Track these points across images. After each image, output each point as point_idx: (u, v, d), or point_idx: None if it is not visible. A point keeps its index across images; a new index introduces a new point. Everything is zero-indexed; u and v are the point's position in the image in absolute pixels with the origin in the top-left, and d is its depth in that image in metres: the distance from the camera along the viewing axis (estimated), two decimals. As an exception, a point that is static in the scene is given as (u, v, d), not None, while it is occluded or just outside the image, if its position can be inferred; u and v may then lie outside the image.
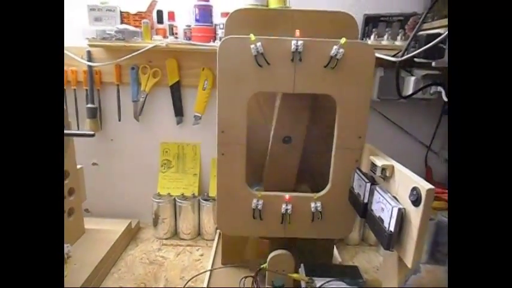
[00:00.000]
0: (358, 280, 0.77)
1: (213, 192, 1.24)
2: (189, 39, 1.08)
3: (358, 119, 0.75)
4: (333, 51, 0.70)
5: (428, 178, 1.23)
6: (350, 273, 0.80)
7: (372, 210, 0.63)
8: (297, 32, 0.71)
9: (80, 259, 0.96)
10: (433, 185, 1.18)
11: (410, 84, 1.04)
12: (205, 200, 1.20)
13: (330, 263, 0.94)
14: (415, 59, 0.93)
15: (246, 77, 0.72)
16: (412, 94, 1.01)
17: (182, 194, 1.22)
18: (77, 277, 0.90)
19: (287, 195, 0.80)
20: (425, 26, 1.04)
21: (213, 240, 1.17)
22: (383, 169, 0.61)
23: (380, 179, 0.64)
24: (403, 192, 0.56)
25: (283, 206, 0.80)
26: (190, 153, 1.24)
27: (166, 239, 1.20)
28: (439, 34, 0.81)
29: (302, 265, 0.83)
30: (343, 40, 0.70)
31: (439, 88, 1.01)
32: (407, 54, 0.87)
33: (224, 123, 0.75)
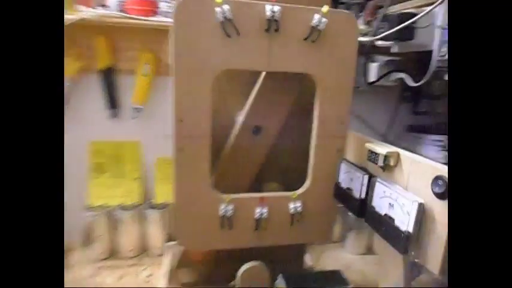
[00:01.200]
0: (346, 287, 0.67)
1: (160, 198, 1.05)
2: (125, 12, 0.88)
3: (341, 102, 0.65)
4: (314, 21, 0.58)
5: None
6: (335, 279, 0.70)
7: (372, 207, 0.53)
8: (272, -4, 0.58)
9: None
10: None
11: (372, 71, 0.99)
12: (152, 207, 1.01)
13: (310, 271, 0.83)
14: (377, 44, 0.88)
15: (210, 49, 0.57)
16: (377, 80, 0.96)
17: (121, 204, 1.00)
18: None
19: (262, 197, 0.66)
20: (386, 10, 1.00)
21: (163, 255, 0.99)
22: (386, 157, 0.52)
23: (378, 170, 0.55)
24: (418, 183, 0.47)
25: (258, 210, 0.66)
26: (129, 154, 1.03)
27: (102, 260, 0.98)
28: (413, 14, 0.76)
29: (280, 276, 0.71)
30: (325, 8, 0.59)
31: (402, 74, 0.97)
32: (378, 34, 0.81)
33: (183, 110, 0.59)
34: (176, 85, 0.58)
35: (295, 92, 0.71)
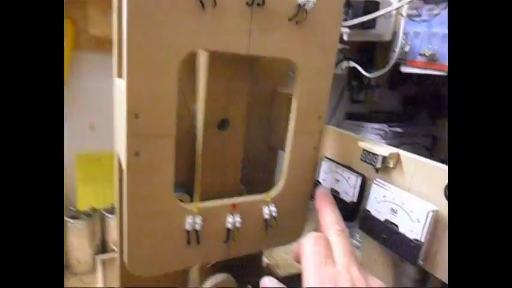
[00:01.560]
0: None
1: (83, 204, 0.85)
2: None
3: (321, 94, 0.58)
4: (301, -1, 0.50)
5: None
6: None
7: (367, 211, 0.49)
8: (256, -39, 0.47)
9: None
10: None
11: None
12: (73, 217, 0.81)
13: (285, 277, 0.77)
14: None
15: (178, 24, 0.43)
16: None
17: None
18: None
19: (233, 203, 0.57)
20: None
21: (92, 272, 0.81)
22: (384, 158, 0.47)
23: (370, 171, 0.51)
24: (424, 187, 0.43)
25: (229, 218, 0.57)
26: (39, 151, 0.80)
27: None
28: (377, 2, 0.73)
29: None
30: (312, -16, 0.50)
31: (352, 63, 0.96)
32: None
33: (140, 103, 0.45)
34: (130, 70, 0.43)
35: (249, 76, 0.62)
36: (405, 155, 0.46)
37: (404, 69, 0.81)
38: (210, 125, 0.59)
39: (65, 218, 0.83)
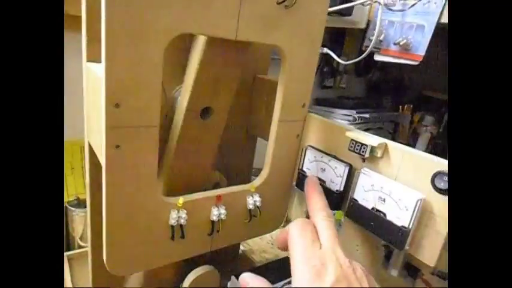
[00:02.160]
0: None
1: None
2: None
3: (306, 82, 0.58)
4: (290, -18, 0.48)
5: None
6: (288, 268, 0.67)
7: (354, 200, 0.50)
8: None
9: None
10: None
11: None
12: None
13: (262, 266, 0.77)
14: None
15: (163, 5, 0.39)
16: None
17: None
18: None
19: (218, 195, 0.55)
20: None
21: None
22: (372, 148, 0.48)
23: (356, 160, 0.52)
24: (410, 176, 0.45)
25: (214, 211, 0.55)
26: None
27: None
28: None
29: (233, 278, 0.63)
30: (301, -33, 0.48)
31: (325, 49, 0.96)
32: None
33: (120, 91, 0.40)
34: (108, 54, 0.38)
35: (241, 64, 0.60)
36: (392, 145, 0.47)
37: (378, 57, 0.83)
38: (192, 113, 0.55)
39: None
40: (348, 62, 0.87)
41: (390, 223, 0.45)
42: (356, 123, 1.12)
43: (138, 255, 0.51)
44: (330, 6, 0.76)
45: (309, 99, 0.60)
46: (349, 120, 1.14)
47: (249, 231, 0.62)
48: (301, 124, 0.60)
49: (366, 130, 1.16)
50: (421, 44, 0.73)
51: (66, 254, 0.78)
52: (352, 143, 0.50)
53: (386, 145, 0.48)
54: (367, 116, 1.14)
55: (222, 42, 0.50)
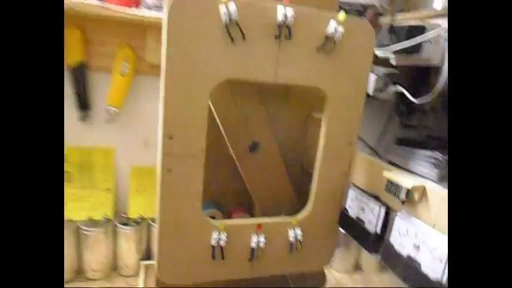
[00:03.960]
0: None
1: (134, 212, 0.94)
2: (103, 2, 0.76)
3: (351, 121, 0.59)
4: (329, 29, 0.51)
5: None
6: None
7: (391, 245, 0.47)
8: (285, -2, 0.51)
9: None
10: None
11: (370, 83, 0.94)
12: (124, 224, 0.90)
13: None
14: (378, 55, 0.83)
15: (210, 55, 0.48)
16: (378, 93, 0.91)
17: (89, 218, 0.89)
18: None
19: (259, 223, 0.59)
20: (385, 19, 0.96)
21: (137, 276, 0.89)
22: (408, 191, 0.46)
23: (395, 201, 0.49)
24: (435, 221, 0.41)
25: (254, 238, 0.59)
26: (101, 162, 0.91)
27: (67, 281, 0.86)
28: (423, 27, 0.71)
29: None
30: (341, 15, 0.52)
31: (399, 88, 0.93)
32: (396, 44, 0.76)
33: (174, 126, 0.50)
34: (167, 96, 0.49)
35: (279, 103, 0.64)
36: (431, 188, 0.44)
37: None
38: (241, 150, 0.62)
39: (117, 224, 0.93)
40: (420, 101, 0.82)
41: (425, 276, 0.41)
42: (441, 167, 1.00)
43: (184, 268, 0.57)
44: (395, 44, 0.75)
45: (355, 137, 0.60)
46: (432, 163, 1.03)
47: (291, 264, 0.63)
48: (347, 162, 0.60)
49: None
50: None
51: (144, 262, 0.91)
52: (389, 184, 0.48)
53: (424, 188, 0.45)
54: (453, 159, 1.01)
55: (277, 86, 0.56)
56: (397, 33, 0.75)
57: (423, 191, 0.45)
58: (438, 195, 0.43)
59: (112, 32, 0.81)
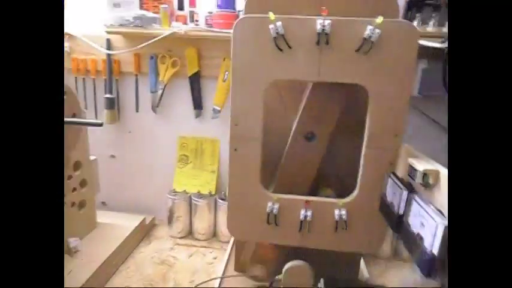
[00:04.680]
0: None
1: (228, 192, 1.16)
2: (211, 26, 1.01)
3: (395, 114, 0.63)
4: (366, 33, 0.59)
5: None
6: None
7: (408, 224, 0.52)
8: (324, 10, 0.61)
9: (88, 254, 0.92)
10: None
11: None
12: (223, 199, 1.13)
13: (354, 280, 0.82)
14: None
15: (263, 62, 0.63)
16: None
17: (198, 192, 1.15)
18: (82, 273, 0.85)
19: (307, 200, 0.70)
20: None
21: (229, 242, 1.10)
22: (425, 174, 0.50)
23: (420, 187, 0.53)
24: (445, 204, 0.44)
25: (302, 211, 0.70)
26: (209, 149, 1.17)
27: (180, 238, 1.15)
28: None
29: (322, 280, 0.73)
30: (379, 19, 0.58)
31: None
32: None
33: (238, 116, 0.67)
34: (233, 93, 0.66)
35: (344, 99, 0.72)
36: (442, 171, 0.47)
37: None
38: (299, 135, 0.74)
39: (217, 199, 1.16)
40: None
41: (424, 249, 0.45)
42: None
43: (246, 227, 0.73)
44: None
45: (401, 130, 0.64)
46: None
47: (336, 241, 0.71)
48: (393, 153, 0.65)
49: None
50: None
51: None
52: (410, 169, 0.53)
53: (438, 172, 0.48)
54: None
55: (325, 84, 0.67)
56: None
57: (437, 175, 0.48)
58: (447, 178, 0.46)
59: (219, 48, 1.05)
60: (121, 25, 0.98)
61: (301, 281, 0.74)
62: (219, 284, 0.86)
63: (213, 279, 0.90)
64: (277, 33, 0.61)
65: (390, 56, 0.60)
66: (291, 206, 0.70)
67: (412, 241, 0.49)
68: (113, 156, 1.22)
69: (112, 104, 1.13)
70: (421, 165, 0.50)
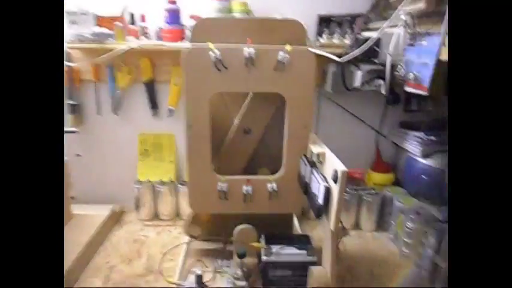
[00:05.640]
0: (306, 245, 0.94)
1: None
2: (161, 39, 1.19)
3: (304, 112, 0.89)
4: (280, 57, 0.83)
5: (377, 158, 1.40)
6: (301, 240, 0.97)
7: (310, 188, 0.79)
8: (249, 40, 0.84)
9: (70, 240, 1.09)
10: (381, 163, 1.34)
11: (357, 78, 1.18)
12: (182, 184, 1.34)
13: (286, 234, 1.10)
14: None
15: (207, 79, 0.85)
16: (358, 87, 1.16)
17: (160, 180, 1.35)
18: (68, 256, 1.03)
19: (248, 179, 0.94)
20: (370, 25, 1.18)
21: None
22: (318, 155, 0.76)
23: (318, 164, 0.80)
24: (329, 173, 0.71)
25: (244, 187, 0.94)
26: (166, 143, 1.37)
27: (147, 220, 1.34)
28: (379, 38, 0.96)
29: (263, 236, 0.99)
30: (288, 47, 0.83)
31: (380, 81, 1.16)
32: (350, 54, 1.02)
33: (191, 119, 0.88)
34: (187, 103, 0.87)
35: (274, 104, 0.97)
36: (327, 153, 0.74)
37: (406, 88, 0.97)
38: (239, 130, 0.98)
39: (177, 185, 1.38)
40: (386, 94, 1.04)
41: (316, 201, 0.73)
42: (424, 145, 1.19)
43: (204, 203, 0.97)
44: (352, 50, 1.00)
45: (310, 122, 0.90)
46: (418, 142, 1.22)
47: (271, 206, 0.97)
48: (305, 140, 0.91)
49: (434, 153, 1.20)
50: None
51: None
52: (310, 151, 0.79)
53: (324, 153, 0.75)
54: (434, 138, 1.18)
55: (260, 94, 0.91)
56: (359, 43, 1.00)
57: (324, 155, 0.75)
58: (329, 158, 0.73)
59: (169, 57, 1.23)
60: (80, 41, 1.12)
61: (249, 239, 1.00)
62: (186, 249, 1.09)
63: (179, 245, 1.13)
64: (215, 58, 0.82)
65: (297, 72, 0.86)
66: (236, 183, 0.95)
67: (311, 198, 0.76)
68: (78, 155, 1.36)
69: (74, 110, 1.26)
70: (315, 149, 0.77)
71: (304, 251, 0.92)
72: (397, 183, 1.36)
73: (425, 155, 1.20)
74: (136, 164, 1.37)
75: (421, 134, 1.24)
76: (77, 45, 1.12)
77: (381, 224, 1.31)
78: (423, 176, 1.21)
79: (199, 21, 0.90)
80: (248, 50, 0.82)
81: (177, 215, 1.38)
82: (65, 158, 1.15)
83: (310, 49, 0.86)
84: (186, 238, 1.14)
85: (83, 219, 1.22)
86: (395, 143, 1.38)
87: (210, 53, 0.82)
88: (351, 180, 1.34)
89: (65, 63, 1.19)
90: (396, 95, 1.22)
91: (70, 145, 1.32)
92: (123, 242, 1.20)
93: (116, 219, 1.34)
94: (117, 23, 1.14)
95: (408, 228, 1.10)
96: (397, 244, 1.19)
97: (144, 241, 1.21)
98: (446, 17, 0.69)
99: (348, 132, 1.38)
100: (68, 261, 1.00)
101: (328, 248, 0.78)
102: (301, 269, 0.88)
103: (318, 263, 0.88)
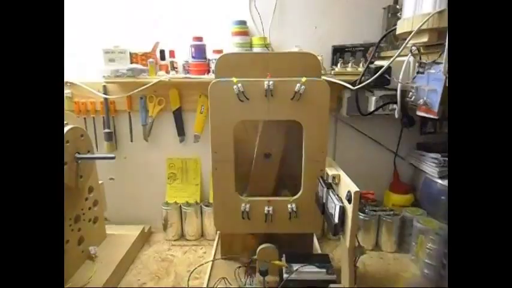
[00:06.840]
0: (326, 264, 0.98)
1: (212, 199, 1.45)
2: (188, 72, 1.30)
3: (320, 137, 0.96)
4: (296, 88, 0.91)
5: (396, 179, 1.43)
6: (321, 260, 1.01)
7: (327, 208, 0.84)
8: (269, 75, 0.93)
9: (104, 259, 1.18)
10: (400, 184, 1.37)
11: (372, 103, 1.25)
12: (207, 206, 1.41)
13: (306, 253, 1.14)
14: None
15: (231, 109, 0.94)
16: (373, 112, 1.22)
17: (187, 202, 1.43)
18: (103, 273, 1.11)
19: (269, 200, 1.01)
20: (382, 54, 1.26)
21: (214, 240, 1.39)
22: (333, 177, 0.82)
23: (334, 185, 0.85)
24: (343, 194, 0.77)
25: (266, 207, 1.01)
26: (192, 167, 1.46)
27: (174, 240, 1.42)
28: (389, 67, 1.03)
29: (284, 255, 1.04)
30: (304, 79, 0.91)
31: (394, 106, 1.21)
32: (363, 82, 1.09)
33: (216, 146, 0.97)
34: (212, 131, 0.96)
35: (286, 130, 1.04)
36: (342, 175, 0.80)
37: (418, 113, 1.02)
38: (259, 156, 1.06)
39: (202, 206, 1.45)
40: (399, 117, 1.10)
41: (332, 221, 0.78)
42: (440, 166, 1.22)
43: (228, 222, 1.03)
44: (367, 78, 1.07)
45: (325, 147, 0.97)
46: (435, 163, 1.24)
47: (291, 226, 1.03)
48: (322, 164, 0.98)
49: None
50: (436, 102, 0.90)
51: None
52: (326, 174, 0.85)
53: (340, 175, 0.81)
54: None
55: (272, 123, 0.99)
56: (371, 71, 1.08)
57: (339, 177, 0.81)
58: (343, 179, 0.79)
59: (195, 88, 1.34)
60: (117, 76, 1.25)
61: (270, 258, 1.05)
62: (211, 267, 1.15)
63: (205, 263, 1.19)
64: (238, 90, 0.92)
65: (312, 102, 0.93)
66: (258, 204, 1.01)
67: (328, 218, 0.81)
68: (112, 179, 1.47)
69: (110, 137, 1.39)
70: (331, 171, 0.83)
71: (323, 270, 0.96)
72: (416, 204, 1.38)
73: (442, 176, 1.23)
74: (164, 187, 1.46)
75: (437, 156, 1.27)
76: (113, 80, 1.26)
77: (402, 245, 1.32)
78: (442, 197, 1.23)
79: (222, 57, 1.00)
80: (268, 83, 0.91)
81: (202, 235, 1.45)
82: (100, 181, 1.26)
83: (325, 78, 0.94)
84: (211, 257, 1.21)
85: (116, 238, 1.31)
86: (413, 165, 1.41)
87: (234, 86, 0.91)
88: (366, 202, 1.38)
89: (103, 95, 1.32)
90: (411, 118, 1.28)
91: (105, 170, 1.43)
92: (152, 260, 1.28)
93: (145, 239, 1.42)
94: (150, 60, 1.27)
95: (429, 249, 1.12)
96: (418, 265, 1.20)
97: (172, 260, 1.28)
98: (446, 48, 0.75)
99: (365, 154, 1.42)
100: (103, 279, 1.09)
101: (346, 265, 0.82)
102: (321, 287, 0.92)
103: (337, 281, 0.92)
